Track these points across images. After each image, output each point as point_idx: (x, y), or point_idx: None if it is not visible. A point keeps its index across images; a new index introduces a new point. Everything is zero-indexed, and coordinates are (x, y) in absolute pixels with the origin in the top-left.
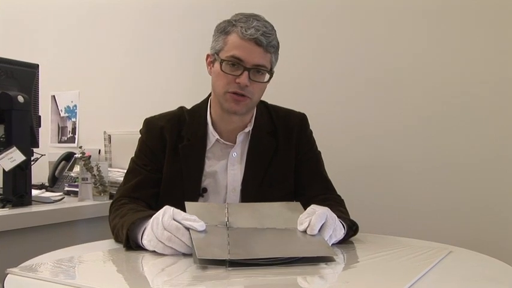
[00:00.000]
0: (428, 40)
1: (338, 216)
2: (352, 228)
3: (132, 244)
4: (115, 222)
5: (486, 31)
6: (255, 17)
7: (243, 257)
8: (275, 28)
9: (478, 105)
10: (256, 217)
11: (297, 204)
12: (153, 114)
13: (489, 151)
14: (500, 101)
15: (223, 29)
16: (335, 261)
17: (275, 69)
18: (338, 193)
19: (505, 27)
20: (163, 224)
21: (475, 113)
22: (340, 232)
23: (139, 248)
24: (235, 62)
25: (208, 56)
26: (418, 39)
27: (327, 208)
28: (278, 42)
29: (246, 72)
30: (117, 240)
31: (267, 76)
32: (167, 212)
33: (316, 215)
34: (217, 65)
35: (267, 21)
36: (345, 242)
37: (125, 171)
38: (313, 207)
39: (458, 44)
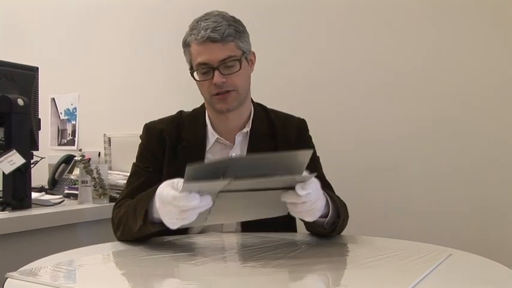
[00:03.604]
0: (431, 44)
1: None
2: (339, 217)
3: (149, 219)
4: (123, 211)
5: (488, 34)
6: (204, 17)
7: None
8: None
9: (479, 109)
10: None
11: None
12: (153, 117)
13: (490, 154)
14: (501, 104)
15: (185, 42)
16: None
17: (276, 71)
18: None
19: (506, 29)
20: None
21: (476, 116)
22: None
23: (155, 225)
24: (204, 68)
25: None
26: (420, 42)
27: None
28: (237, 25)
29: (216, 72)
30: (125, 229)
31: (238, 64)
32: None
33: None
34: (194, 76)
35: (217, 15)
36: (343, 244)
37: (125, 173)
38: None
39: (460, 49)
